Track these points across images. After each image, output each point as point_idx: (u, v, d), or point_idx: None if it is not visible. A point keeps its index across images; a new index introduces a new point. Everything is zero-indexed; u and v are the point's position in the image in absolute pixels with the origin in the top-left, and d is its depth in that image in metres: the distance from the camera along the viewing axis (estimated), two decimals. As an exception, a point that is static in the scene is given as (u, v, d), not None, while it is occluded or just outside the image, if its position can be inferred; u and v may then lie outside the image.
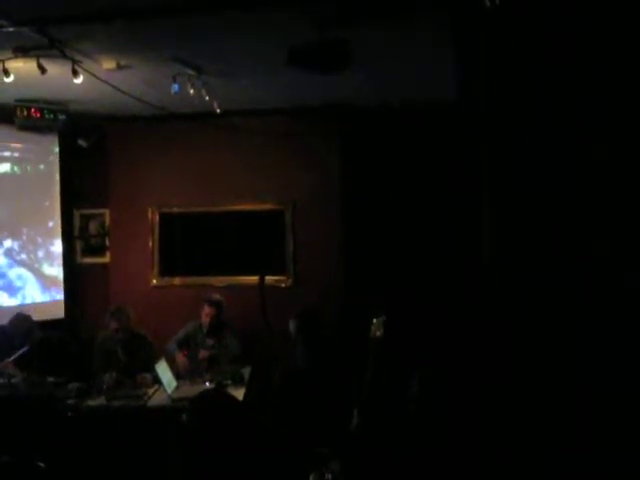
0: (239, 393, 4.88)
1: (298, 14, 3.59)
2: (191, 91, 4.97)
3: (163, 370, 5.03)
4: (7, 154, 6.37)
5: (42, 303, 6.41)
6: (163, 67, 4.64)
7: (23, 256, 6.46)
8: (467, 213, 3.13)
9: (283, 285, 6.43)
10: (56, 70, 4.46)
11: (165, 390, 4.90)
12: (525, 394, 2.66)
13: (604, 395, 2.52)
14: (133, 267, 6.65)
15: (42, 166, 6.63)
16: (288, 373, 4.59)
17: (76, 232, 6.96)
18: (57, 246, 6.70)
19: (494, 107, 2.78)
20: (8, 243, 6.34)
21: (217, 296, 5.83)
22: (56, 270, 6.69)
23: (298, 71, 4.02)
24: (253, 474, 2.99)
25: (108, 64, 4.55)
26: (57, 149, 6.62)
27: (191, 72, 4.74)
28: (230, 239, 6.57)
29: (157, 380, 5.00)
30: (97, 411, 4.75)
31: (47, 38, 3.93)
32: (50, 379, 4.99)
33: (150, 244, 6.66)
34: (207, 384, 5.08)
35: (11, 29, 3.76)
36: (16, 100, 5.64)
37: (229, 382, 5.13)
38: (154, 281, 6.65)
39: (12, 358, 5.10)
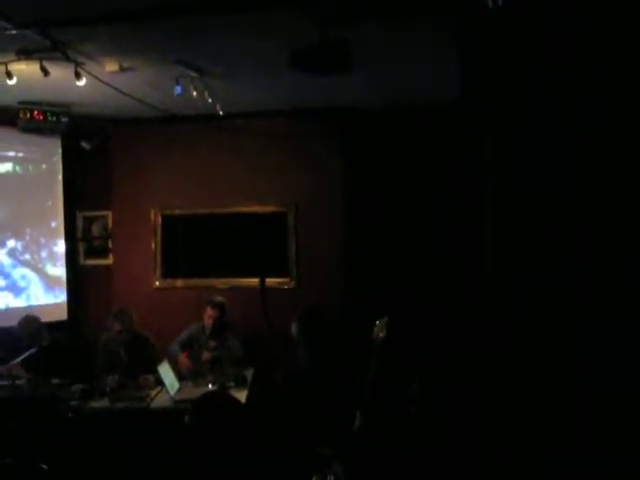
0: (242, 395, 4.88)
1: (298, 14, 3.60)
2: (194, 93, 4.99)
3: (166, 372, 5.04)
4: (10, 155, 6.39)
5: (45, 305, 6.42)
6: (166, 69, 4.66)
7: (27, 256, 6.49)
8: (468, 213, 3.13)
9: (286, 287, 6.43)
10: (59, 72, 4.48)
11: (168, 392, 4.90)
12: (525, 394, 2.65)
13: (604, 395, 2.52)
14: (136, 269, 6.67)
15: (45, 167, 6.65)
16: (290, 374, 4.59)
17: (79, 234, 6.98)
18: (60, 246, 6.73)
19: (494, 107, 2.78)
20: (12, 243, 6.36)
21: (220, 298, 5.84)
22: (60, 270, 6.71)
23: (299, 73, 4.03)
24: (255, 475, 2.99)
25: (111, 66, 4.56)
26: (60, 151, 6.63)
27: (193, 74, 4.75)
28: (232, 241, 6.58)
29: (160, 382, 5.00)
30: (100, 413, 4.76)
31: (50, 40, 3.95)
32: (54, 381, 5.00)
33: (153, 246, 6.67)
34: (210, 386, 5.09)
35: (14, 32, 3.77)
36: (19, 102, 5.66)
37: (232, 384, 5.14)
38: (157, 283, 6.66)
39: (19, 359, 5.11)
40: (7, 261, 6.33)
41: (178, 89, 4.86)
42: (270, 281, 5.71)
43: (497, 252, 2.77)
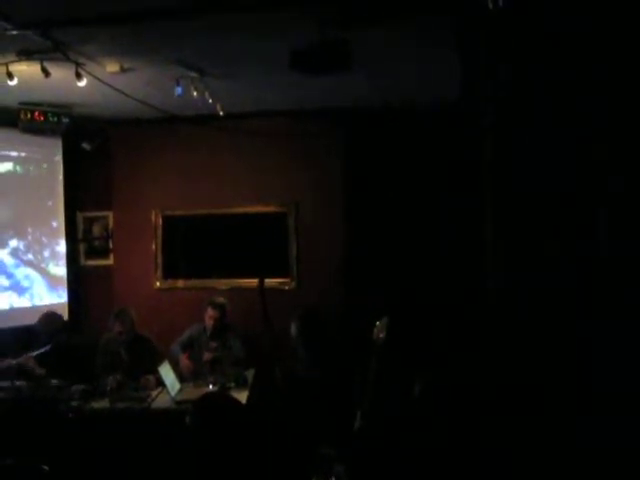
0: (242, 395, 4.88)
1: (298, 14, 3.60)
2: (194, 93, 4.99)
3: (166, 372, 5.04)
4: (11, 155, 6.39)
5: (49, 305, 6.41)
6: (166, 70, 4.66)
7: (29, 256, 6.49)
8: (468, 213, 3.14)
9: (286, 287, 6.43)
10: (60, 73, 4.48)
11: (168, 392, 4.90)
12: (525, 394, 2.65)
13: (604, 395, 2.52)
14: (136, 269, 6.67)
15: (46, 168, 6.65)
16: (290, 375, 4.59)
17: (80, 235, 6.98)
18: (62, 246, 6.73)
19: (494, 107, 2.78)
20: (14, 243, 6.37)
21: (221, 299, 5.84)
22: (62, 270, 6.71)
23: (299, 73, 4.02)
24: (256, 476, 2.99)
25: (111, 67, 4.56)
26: (61, 152, 6.63)
27: (194, 75, 4.75)
28: (233, 241, 6.58)
29: (160, 382, 5.00)
30: (101, 413, 4.76)
31: (51, 41, 3.94)
32: (54, 382, 5.00)
33: (153, 246, 6.68)
34: (210, 386, 5.09)
35: (15, 32, 3.76)
36: (20, 103, 5.65)
37: (232, 384, 5.14)
38: (157, 283, 6.66)
39: (35, 353, 5.14)
40: (10, 261, 6.34)
41: (178, 90, 4.87)
42: (270, 281, 5.71)
43: (497, 252, 2.77)
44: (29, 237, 6.52)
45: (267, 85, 5.27)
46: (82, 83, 4.50)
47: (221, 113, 5.66)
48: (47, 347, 5.18)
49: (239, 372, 5.34)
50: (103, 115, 6.26)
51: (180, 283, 6.67)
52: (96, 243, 6.98)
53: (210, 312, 5.72)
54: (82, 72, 4.42)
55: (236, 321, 5.89)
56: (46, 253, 6.64)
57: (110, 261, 6.88)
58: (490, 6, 2.78)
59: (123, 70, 4.62)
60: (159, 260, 6.68)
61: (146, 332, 5.64)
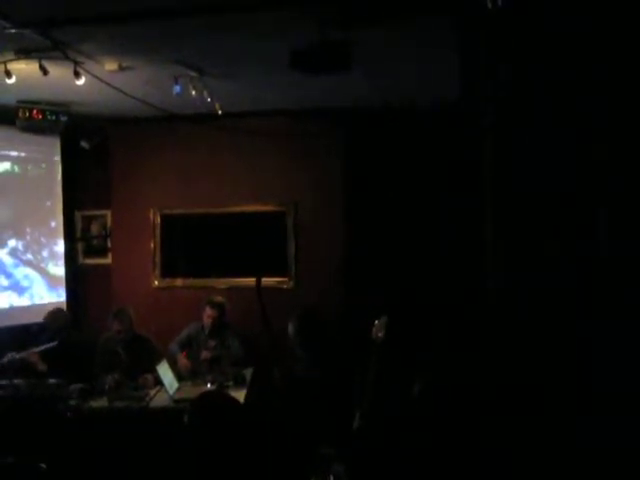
0: (241, 394, 4.89)
1: (298, 14, 3.60)
2: (193, 92, 4.98)
3: (165, 371, 5.04)
4: (9, 154, 6.39)
5: (49, 304, 6.41)
6: (165, 69, 4.65)
7: (29, 256, 6.50)
8: (468, 213, 3.13)
9: (285, 286, 6.43)
10: (58, 72, 4.48)
11: (167, 391, 4.91)
12: (525, 394, 2.65)
13: (604, 395, 2.52)
14: (135, 268, 6.66)
15: (44, 167, 6.65)
16: (289, 375, 4.58)
17: (78, 233, 6.97)
18: (61, 246, 6.73)
19: (494, 107, 2.78)
20: (13, 243, 6.37)
21: (219, 298, 5.84)
22: (61, 269, 6.72)
23: (299, 73, 4.02)
24: (254, 475, 2.99)
25: (110, 66, 4.55)
26: (59, 151, 6.63)
27: (193, 74, 4.75)
28: (232, 241, 6.58)
29: (159, 381, 5.01)
30: (99, 412, 4.76)
31: (49, 40, 3.94)
32: (52, 380, 5.00)
33: (152, 245, 6.67)
34: (209, 385, 5.09)
35: (13, 31, 3.76)
36: (18, 101, 5.64)
37: (231, 383, 5.15)
38: (156, 282, 6.66)
39: (39, 349, 5.14)
40: (9, 261, 6.34)
41: (177, 88, 4.86)
42: (269, 281, 5.71)
43: (497, 252, 2.77)
44: (28, 237, 6.52)
45: (267, 85, 5.26)
46: (81, 82, 4.50)
47: (220, 112, 5.65)
48: (54, 343, 5.18)
49: (237, 371, 5.35)
50: (102, 114, 6.25)
51: (179, 282, 6.67)
52: (94, 242, 6.98)
53: (208, 311, 5.73)
54: (81, 70, 4.42)
55: (234, 320, 5.90)
56: (45, 253, 6.64)
57: (108, 260, 6.88)
58: (490, 6, 2.79)
59: (122, 69, 4.61)
60: (157, 259, 6.67)
61: (144, 331, 5.65)
